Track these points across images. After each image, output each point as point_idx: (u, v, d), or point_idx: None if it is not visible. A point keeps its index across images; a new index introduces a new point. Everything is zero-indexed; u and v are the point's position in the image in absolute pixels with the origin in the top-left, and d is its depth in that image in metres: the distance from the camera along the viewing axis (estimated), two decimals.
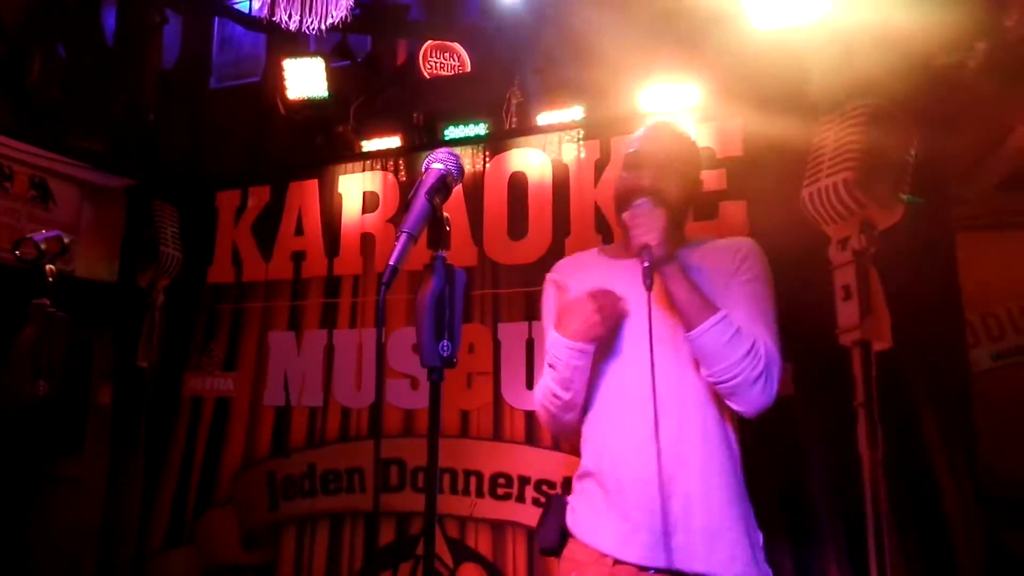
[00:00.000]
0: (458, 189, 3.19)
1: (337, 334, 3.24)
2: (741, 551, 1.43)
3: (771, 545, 2.30)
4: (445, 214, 1.25)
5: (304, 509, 3.15)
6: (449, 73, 3.92)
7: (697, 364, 1.45)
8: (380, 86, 3.75)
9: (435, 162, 1.27)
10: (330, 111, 3.55)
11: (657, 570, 1.40)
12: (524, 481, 2.78)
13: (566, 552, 1.54)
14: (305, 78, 3.49)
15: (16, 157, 3.19)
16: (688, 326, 1.42)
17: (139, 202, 3.70)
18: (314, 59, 3.48)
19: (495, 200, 3.04)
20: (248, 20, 4.03)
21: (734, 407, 1.44)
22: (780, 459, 2.41)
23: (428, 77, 3.88)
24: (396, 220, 3.25)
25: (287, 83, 3.48)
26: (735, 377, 1.39)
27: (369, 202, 3.29)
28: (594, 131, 2.92)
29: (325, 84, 3.47)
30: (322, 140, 3.52)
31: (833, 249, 2.47)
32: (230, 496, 3.29)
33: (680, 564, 1.39)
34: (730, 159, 2.66)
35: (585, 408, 1.55)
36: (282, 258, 3.40)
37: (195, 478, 3.36)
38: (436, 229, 1.23)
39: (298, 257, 3.37)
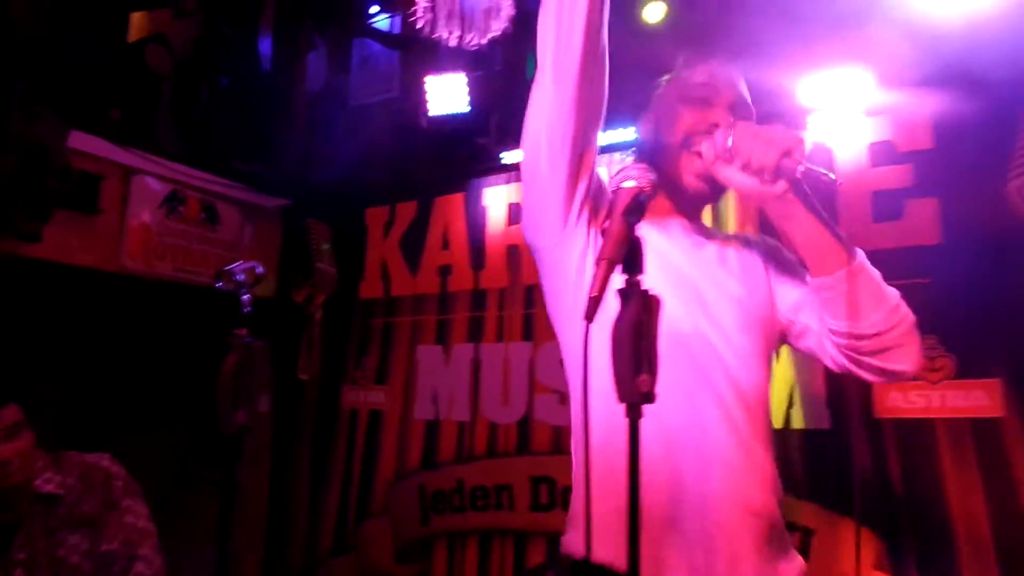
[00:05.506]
0: None
1: (484, 348, 3.22)
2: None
3: None
4: (638, 234, 1.15)
5: (454, 524, 3.15)
6: None
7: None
8: (518, 94, 3.69)
9: (627, 180, 1.17)
10: (470, 123, 3.53)
11: None
12: None
13: None
14: (446, 93, 3.49)
15: (189, 183, 3.41)
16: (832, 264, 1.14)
17: (294, 221, 3.86)
18: (456, 75, 3.47)
19: None
20: (388, 38, 4.11)
21: (887, 367, 1.14)
22: (985, 484, 2.13)
23: None
24: None
25: (429, 99, 3.50)
26: (899, 324, 1.12)
27: (514, 214, 3.26)
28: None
29: (467, 99, 3.46)
30: (465, 153, 3.52)
31: None
32: (385, 507, 3.36)
33: None
34: (917, 152, 2.39)
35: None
36: (429, 272, 3.43)
37: (355, 488, 3.47)
38: (631, 252, 1.14)
39: (444, 271, 3.39)
